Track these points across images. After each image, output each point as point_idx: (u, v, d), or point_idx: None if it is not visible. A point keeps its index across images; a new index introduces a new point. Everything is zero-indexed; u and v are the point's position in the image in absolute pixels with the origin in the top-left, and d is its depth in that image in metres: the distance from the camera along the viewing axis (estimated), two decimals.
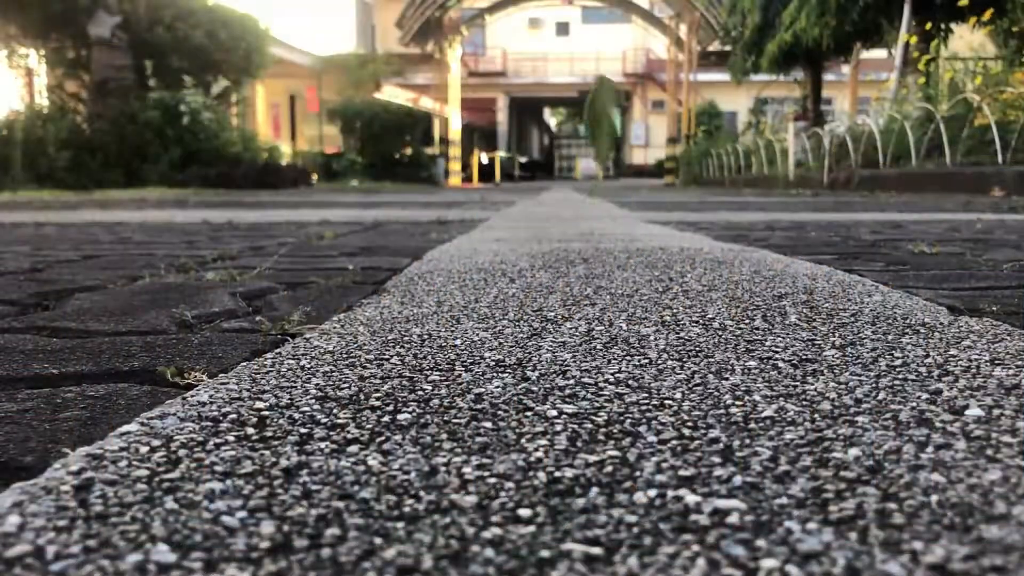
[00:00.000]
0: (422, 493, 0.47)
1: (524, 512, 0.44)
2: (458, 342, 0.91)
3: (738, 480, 0.49)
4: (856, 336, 0.92)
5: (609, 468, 0.51)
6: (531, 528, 0.42)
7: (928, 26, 8.99)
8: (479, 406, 0.65)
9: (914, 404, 0.65)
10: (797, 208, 4.71)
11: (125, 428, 0.59)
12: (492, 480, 0.49)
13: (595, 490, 0.48)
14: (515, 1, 19.10)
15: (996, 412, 0.62)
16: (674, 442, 0.56)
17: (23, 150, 8.70)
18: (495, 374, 0.76)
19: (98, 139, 9.31)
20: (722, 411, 0.63)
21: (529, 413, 0.63)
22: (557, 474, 0.50)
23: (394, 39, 16.51)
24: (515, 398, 0.67)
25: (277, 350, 0.87)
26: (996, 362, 0.79)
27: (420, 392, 0.70)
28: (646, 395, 0.68)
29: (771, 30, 12.31)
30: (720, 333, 0.95)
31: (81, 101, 10.17)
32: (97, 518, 0.43)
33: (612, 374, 0.75)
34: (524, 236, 2.49)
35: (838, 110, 17.00)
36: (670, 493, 0.47)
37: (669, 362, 0.80)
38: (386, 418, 0.62)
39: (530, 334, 0.95)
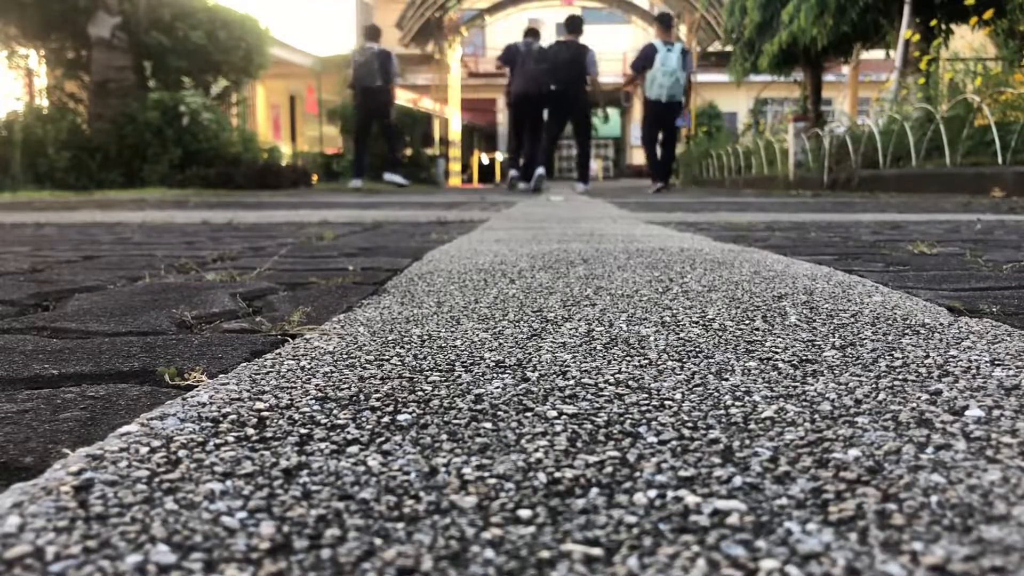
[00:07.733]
0: (422, 494, 0.47)
1: (524, 513, 0.44)
2: (458, 343, 0.91)
3: (738, 481, 0.49)
4: (856, 337, 0.92)
5: (609, 469, 0.51)
6: (531, 529, 0.42)
7: (932, 23, 8.98)
8: (479, 407, 0.65)
9: (914, 405, 0.65)
10: (797, 209, 4.71)
11: (125, 429, 0.59)
12: (492, 481, 0.49)
13: (595, 491, 0.48)
14: (515, 1, 19.10)
15: (996, 413, 0.62)
16: (674, 443, 0.56)
17: (23, 150, 8.69)
18: (495, 375, 0.76)
19: (98, 139, 9.29)
20: (722, 412, 0.63)
21: (529, 414, 0.63)
22: (557, 475, 0.50)
23: (394, 40, 16.50)
24: (515, 399, 0.67)
25: (277, 351, 0.87)
26: (996, 363, 0.79)
27: (420, 393, 0.70)
28: (646, 396, 0.68)
29: (770, 30, 12.30)
30: (720, 334, 0.95)
31: (81, 101, 10.15)
32: (97, 519, 0.43)
33: (612, 375, 0.75)
34: (524, 237, 2.49)
35: (838, 111, 16.99)
36: (670, 494, 0.47)
37: (669, 363, 0.80)
38: (386, 419, 0.62)
39: (530, 335, 0.95)
